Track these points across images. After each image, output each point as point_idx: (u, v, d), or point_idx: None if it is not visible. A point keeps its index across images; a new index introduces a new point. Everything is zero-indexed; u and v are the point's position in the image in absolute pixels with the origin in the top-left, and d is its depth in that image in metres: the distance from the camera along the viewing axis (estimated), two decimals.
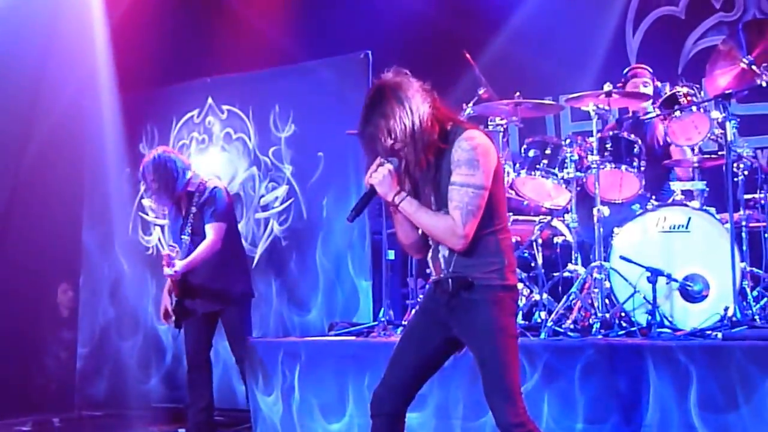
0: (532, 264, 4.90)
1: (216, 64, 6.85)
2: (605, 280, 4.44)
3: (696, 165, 4.69)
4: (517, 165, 4.94)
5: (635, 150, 4.74)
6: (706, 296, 4.35)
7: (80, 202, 7.24)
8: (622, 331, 4.25)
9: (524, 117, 5.16)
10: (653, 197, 4.77)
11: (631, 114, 5.45)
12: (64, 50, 6.65)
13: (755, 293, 4.43)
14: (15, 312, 6.77)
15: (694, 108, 4.53)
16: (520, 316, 4.53)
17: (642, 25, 6.36)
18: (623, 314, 4.39)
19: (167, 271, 4.64)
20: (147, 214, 6.97)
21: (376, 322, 5.02)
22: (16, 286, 6.77)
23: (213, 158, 6.64)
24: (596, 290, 4.45)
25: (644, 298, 4.32)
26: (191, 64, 6.91)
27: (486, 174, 2.87)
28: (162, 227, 6.85)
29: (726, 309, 4.11)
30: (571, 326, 4.34)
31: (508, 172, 4.81)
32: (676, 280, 4.36)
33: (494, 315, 2.87)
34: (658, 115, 4.85)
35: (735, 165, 4.46)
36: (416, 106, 2.88)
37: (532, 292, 4.78)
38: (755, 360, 3.54)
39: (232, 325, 4.85)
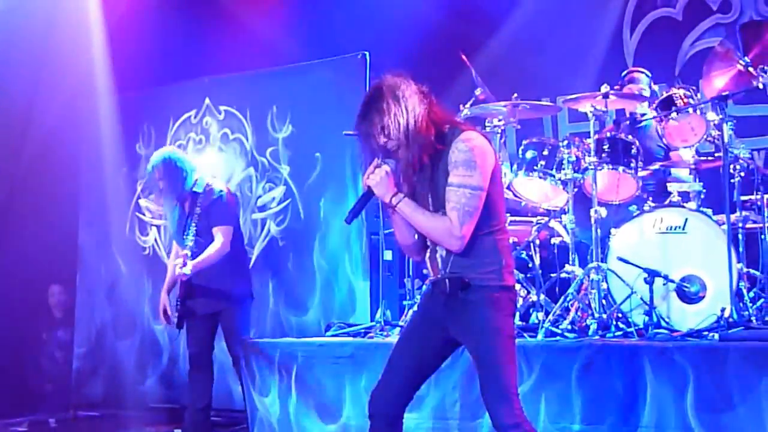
0: (530, 265, 4.90)
1: (213, 64, 6.84)
2: (602, 281, 4.45)
3: (693, 166, 4.70)
4: (515, 166, 4.95)
5: (632, 151, 4.75)
6: (703, 297, 4.36)
7: (77, 202, 7.24)
8: (619, 332, 4.25)
9: (522, 118, 5.15)
10: (650, 198, 4.78)
11: (628, 115, 5.45)
12: (61, 50, 6.64)
13: (752, 294, 4.45)
14: (11, 312, 6.76)
15: (690, 110, 4.54)
16: (517, 317, 4.54)
17: (639, 27, 6.37)
18: (620, 315, 4.40)
19: (184, 270, 4.63)
20: (144, 215, 6.96)
21: (373, 323, 5.03)
22: (12, 286, 6.77)
23: (210, 159, 6.62)
24: (593, 291, 4.45)
25: (641, 299, 4.33)
26: (188, 64, 6.91)
27: (483, 175, 2.87)
28: (159, 227, 6.84)
29: (722, 310, 4.12)
30: (569, 327, 4.35)
31: (505, 173, 4.81)
32: (673, 281, 4.37)
33: (491, 315, 2.87)
34: (654, 117, 4.86)
35: (732, 166, 4.46)
36: (412, 106, 2.89)
37: (529, 292, 4.79)
38: (751, 361, 3.55)
39: (232, 325, 4.86)
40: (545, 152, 4.88)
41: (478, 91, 5.18)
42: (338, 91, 5.97)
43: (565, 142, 4.86)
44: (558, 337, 4.26)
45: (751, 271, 4.54)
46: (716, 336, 3.97)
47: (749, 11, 6.02)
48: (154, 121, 6.99)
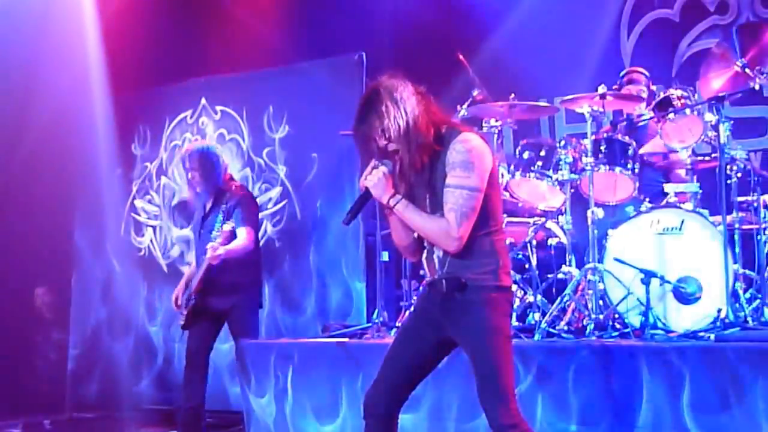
0: (527, 266, 4.90)
1: (210, 64, 6.83)
2: (599, 281, 4.45)
3: (689, 167, 4.70)
4: (512, 167, 4.94)
5: (629, 152, 4.75)
6: (699, 298, 4.35)
7: (72, 203, 7.22)
8: (616, 333, 4.26)
9: (519, 119, 5.16)
10: (647, 199, 4.78)
11: (625, 116, 5.45)
12: (56, 50, 6.62)
13: (748, 295, 4.46)
14: (5, 313, 6.73)
15: (687, 110, 4.54)
16: (514, 318, 4.53)
17: (636, 28, 6.37)
18: (617, 316, 4.40)
19: (218, 252, 4.60)
20: (139, 215, 6.95)
21: (369, 324, 5.01)
22: (6, 287, 6.74)
23: None
24: (590, 292, 4.45)
25: (638, 299, 4.33)
26: (185, 64, 6.90)
27: (481, 176, 2.87)
28: (154, 228, 6.83)
29: (719, 311, 4.12)
30: (565, 328, 4.35)
31: (502, 174, 4.81)
32: (669, 282, 4.37)
33: (488, 315, 2.87)
34: (651, 118, 4.86)
35: (728, 167, 4.47)
36: (411, 107, 2.89)
37: (526, 293, 4.79)
38: (747, 361, 3.54)
39: (240, 326, 4.87)
40: (542, 153, 4.88)
41: (475, 92, 5.18)
42: (335, 91, 5.97)
43: (562, 143, 4.86)
44: (555, 338, 4.26)
45: (747, 272, 4.55)
46: (712, 337, 3.97)
47: (746, 13, 6.03)
48: (149, 122, 6.98)
